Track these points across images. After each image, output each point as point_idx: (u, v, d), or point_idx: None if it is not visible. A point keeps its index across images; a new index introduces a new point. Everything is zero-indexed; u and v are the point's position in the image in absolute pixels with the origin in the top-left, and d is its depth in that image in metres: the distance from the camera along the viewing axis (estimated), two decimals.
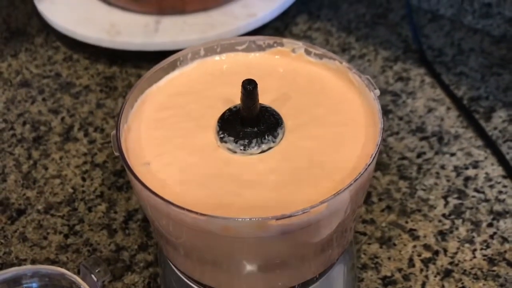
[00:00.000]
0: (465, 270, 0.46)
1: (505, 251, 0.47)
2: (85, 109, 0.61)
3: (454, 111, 0.59)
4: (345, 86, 0.40)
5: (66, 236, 0.50)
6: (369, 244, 0.48)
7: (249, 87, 0.34)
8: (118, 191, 0.53)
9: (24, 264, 0.48)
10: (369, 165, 0.33)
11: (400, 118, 0.58)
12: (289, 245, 0.34)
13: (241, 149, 0.36)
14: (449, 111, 0.59)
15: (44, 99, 0.63)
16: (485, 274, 0.46)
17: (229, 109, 0.37)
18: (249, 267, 0.36)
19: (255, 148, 0.36)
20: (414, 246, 0.48)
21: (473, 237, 0.48)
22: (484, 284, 0.45)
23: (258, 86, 0.35)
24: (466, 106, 0.59)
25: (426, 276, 0.46)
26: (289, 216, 0.31)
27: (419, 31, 0.68)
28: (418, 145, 0.56)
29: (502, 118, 0.58)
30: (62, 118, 0.60)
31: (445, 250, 0.48)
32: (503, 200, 0.51)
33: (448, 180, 0.52)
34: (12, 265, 0.48)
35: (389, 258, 0.47)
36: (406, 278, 0.46)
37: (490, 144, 0.55)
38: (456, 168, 0.53)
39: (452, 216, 0.50)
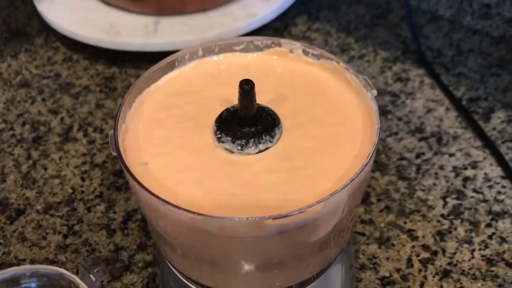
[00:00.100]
0: (463, 271, 0.46)
1: (504, 252, 0.47)
2: (84, 110, 0.61)
3: (453, 111, 0.59)
4: (343, 87, 0.40)
5: (65, 236, 0.50)
6: (368, 244, 0.48)
7: (246, 87, 0.34)
8: (117, 191, 0.53)
9: (23, 264, 0.48)
10: (365, 165, 0.33)
11: (399, 119, 0.58)
12: (286, 245, 0.34)
13: (238, 149, 0.36)
14: (448, 111, 0.59)
15: (43, 100, 0.63)
16: (484, 275, 0.46)
17: (227, 109, 0.37)
18: (246, 267, 0.36)
19: (253, 148, 0.36)
20: (413, 247, 0.48)
21: (472, 237, 0.48)
22: (482, 285, 0.45)
23: (256, 86, 0.35)
24: (465, 107, 0.59)
25: (425, 277, 0.46)
26: (286, 216, 0.31)
27: (418, 31, 0.68)
28: (417, 145, 0.56)
29: (501, 118, 0.58)
30: (62, 119, 0.60)
31: (444, 251, 0.48)
32: (502, 201, 0.51)
33: (447, 181, 0.52)
34: (11, 265, 0.48)
35: (387, 259, 0.47)
36: (404, 278, 0.46)
37: (489, 145, 0.55)
38: (455, 168, 0.53)
39: (451, 217, 0.50)
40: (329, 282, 0.41)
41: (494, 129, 0.57)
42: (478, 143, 0.56)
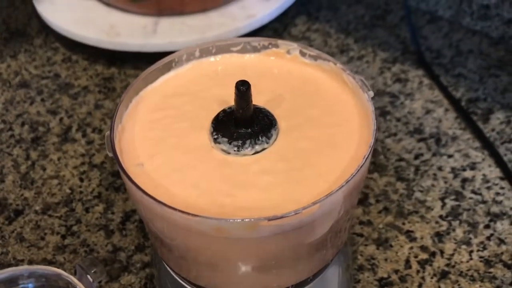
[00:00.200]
0: (461, 272, 0.46)
1: (502, 253, 0.47)
2: (83, 110, 0.61)
3: (452, 112, 0.59)
4: (340, 88, 0.40)
5: (64, 237, 0.50)
6: (366, 245, 0.48)
7: (242, 88, 0.34)
8: (115, 192, 0.53)
9: (21, 264, 0.48)
10: (361, 166, 0.33)
11: (398, 120, 0.58)
12: (282, 246, 0.34)
13: (234, 150, 0.36)
14: (447, 112, 0.59)
15: (42, 100, 0.63)
16: (482, 276, 0.46)
17: (223, 110, 0.37)
18: (242, 268, 0.36)
19: (249, 149, 0.36)
20: (411, 248, 0.48)
21: (470, 238, 0.48)
22: (480, 286, 0.45)
23: (253, 87, 0.35)
24: (464, 108, 0.59)
25: (423, 278, 0.46)
26: (281, 217, 0.31)
27: (417, 32, 0.68)
28: (415, 146, 0.56)
29: (500, 119, 0.58)
30: (61, 119, 0.60)
31: (442, 252, 0.47)
32: (500, 202, 0.51)
33: (445, 182, 0.52)
34: (9, 265, 0.48)
35: (385, 260, 0.47)
36: (402, 279, 0.46)
37: (488, 146, 0.55)
38: (453, 169, 0.53)
39: (449, 218, 0.50)
40: (326, 283, 0.41)
41: (493, 130, 0.57)
42: (477, 144, 0.55)
